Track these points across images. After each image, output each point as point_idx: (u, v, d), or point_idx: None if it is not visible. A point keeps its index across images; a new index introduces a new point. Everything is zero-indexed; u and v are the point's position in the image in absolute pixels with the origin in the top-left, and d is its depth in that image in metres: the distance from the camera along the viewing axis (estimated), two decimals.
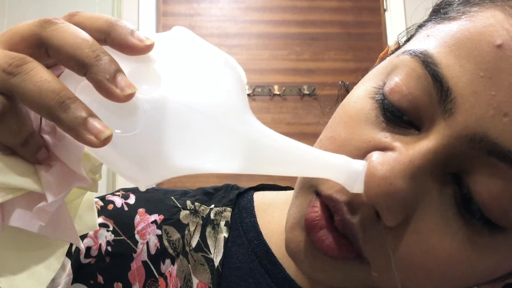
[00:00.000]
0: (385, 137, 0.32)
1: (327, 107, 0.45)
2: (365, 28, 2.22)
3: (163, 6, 2.17)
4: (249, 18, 2.19)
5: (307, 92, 2.13)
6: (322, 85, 2.14)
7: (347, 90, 0.40)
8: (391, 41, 2.16)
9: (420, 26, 0.37)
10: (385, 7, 2.23)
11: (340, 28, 2.21)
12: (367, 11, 2.23)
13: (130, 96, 0.25)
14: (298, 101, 2.14)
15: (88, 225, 0.33)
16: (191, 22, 2.15)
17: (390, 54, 0.40)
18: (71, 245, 0.41)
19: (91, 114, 0.25)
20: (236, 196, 0.48)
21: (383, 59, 0.40)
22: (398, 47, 0.40)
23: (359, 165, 0.30)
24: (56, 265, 0.30)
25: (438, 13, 0.35)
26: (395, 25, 2.16)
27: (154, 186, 0.29)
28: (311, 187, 0.35)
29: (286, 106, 2.14)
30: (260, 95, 2.11)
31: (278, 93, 2.13)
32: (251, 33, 2.18)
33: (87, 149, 0.28)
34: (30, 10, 2.00)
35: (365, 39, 2.20)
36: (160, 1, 2.17)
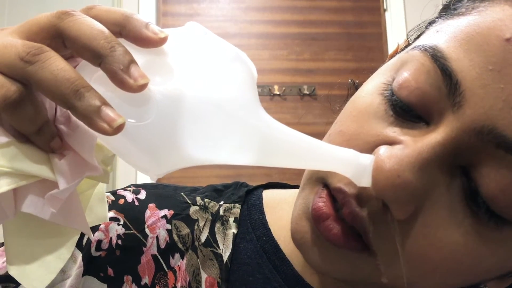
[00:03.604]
0: (393, 131, 0.32)
1: (336, 105, 0.45)
2: (365, 28, 2.22)
3: (163, 6, 2.17)
4: (249, 18, 2.19)
5: (307, 92, 2.13)
6: (322, 85, 2.14)
7: (356, 88, 0.41)
8: (391, 41, 2.17)
9: (430, 22, 0.38)
10: (385, 7, 2.23)
11: (340, 28, 2.21)
12: (367, 11, 2.23)
13: (143, 87, 0.26)
14: (298, 101, 2.14)
15: (99, 216, 0.33)
16: None
17: (400, 51, 0.40)
18: (82, 238, 0.42)
19: (105, 103, 0.25)
20: (245, 193, 0.48)
21: (393, 57, 0.40)
22: (408, 44, 0.40)
23: (367, 159, 0.30)
24: (66, 254, 0.31)
25: (448, 10, 0.36)
26: (395, 25, 2.16)
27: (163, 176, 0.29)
28: (319, 179, 0.35)
29: (286, 106, 2.14)
30: (260, 95, 2.06)
31: (278, 93, 2.13)
32: (251, 33, 2.18)
33: (99, 139, 0.28)
34: (30, 10, 2.00)
35: (365, 39, 2.21)
36: (160, 1, 2.17)
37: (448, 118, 0.30)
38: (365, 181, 0.30)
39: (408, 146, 0.31)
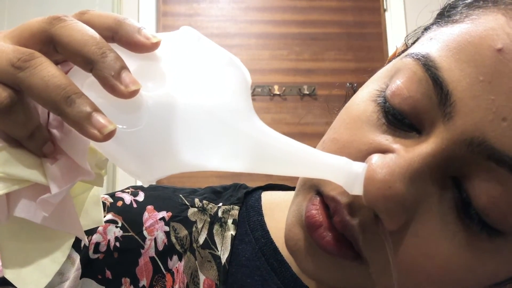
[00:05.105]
0: (386, 139, 0.32)
1: (335, 108, 0.45)
2: (365, 28, 2.22)
3: (163, 6, 2.17)
4: (249, 18, 2.19)
5: (307, 92, 2.13)
6: (322, 85, 2.14)
7: (355, 91, 0.41)
8: (391, 41, 2.16)
9: (426, 29, 0.37)
10: (385, 7, 2.23)
11: (340, 28, 2.21)
12: (367, 11, 2.23)
13: (134, 93, 0.26)
14: (298, 101, 2.14)
15: (94, 220, 0.33)
16: (191, 22, 2.15)
17: (398, 55, 0.40)
18: (80, 240, 0.42)
19: (96, 109, 0.25)
20: (244, 195, 0.48)
21: (390, 61, 0.40)
22: (406, 49, 0.40)
23: (359, 167, 0.30)
24: (61, 258, 0.31)
25: (443, 16, 0.35)
26: (395, 25, 2.16)
27: (155, 182, 0.30)
28: (313, 187, 0.35)
29: (286, 106, 2.14)
30: (260, 95, 2.12)
31: (278, 93, 2.13)
32: (251, 33, 2.18)
33: (93, 144, 0.28)
34: (30, 11, 2.00)
35: (365, 39, 2.21)
36: (160, 1, 2.17)
37: (439, 128, 0.30)
38: (357, 190, 0.30)
39: (400, 156, 0.30)
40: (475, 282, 0.33)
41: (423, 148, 0.30)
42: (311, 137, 2.11)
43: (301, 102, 2.14)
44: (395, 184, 0.29)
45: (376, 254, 0.32)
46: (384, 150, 0.32)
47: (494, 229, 0.30)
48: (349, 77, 2.11)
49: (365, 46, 2.20)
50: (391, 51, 2.20)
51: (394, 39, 2.14)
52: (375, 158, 0.31)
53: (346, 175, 0.30)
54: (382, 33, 2.21)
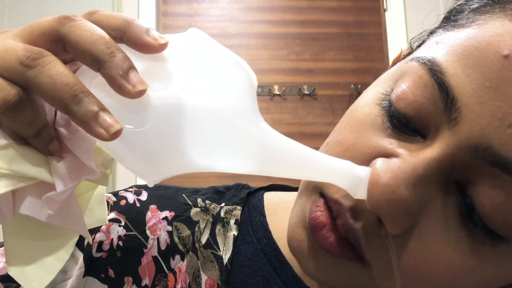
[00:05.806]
0: (390, 143, 0.32)
1: (336, 108, 0.45)
2: (365, 28, 2.22)
3: (163, 6, 2.17)
4: (249, 18, 2.20)
5: (307, 92, 2.14)
6: (322, 85, 2.14)
7: (359, 93, 0.40)
8: (391, 41, 2.17)
9: (431, 32, 0.37)
10: (385, 7, 2.23)
11: (340, 28, 2.21)
12: (367, 11, 2.24)
13: (141, 93, 0.26)
14: (298, 101, 2.14)
15: (98, 218, 0.33)
16: (191, 22, 2.16)
17: (402, 58, 0.40)
18: (83, 238, 0.42)
19: (103, 108, 0.25)
20: (246, 195, 0.49)
21: (395, 63, 0.40)
22: (411, 51, 0.40)
23: (363, 171, 0.30)
24: (65, 256, 0.31)
25: (449, 20, 0.35)
26: (395, 25, 2.17)
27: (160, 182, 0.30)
28: (316, 188, 0.35)
29: (286, 106, 2.14)
30: (260, 95, 2.11)
31: (278, 93, 2.13)
32: (251, 33, 2.18)
33: (99, 143, 0.28)
34: (30, 11, 2.00)
35: (365, 39, 2.21)
36: (160, 1, 2.17)
37: (444, 133, 0.30)
38: (361, 194, 0.30)
39: (404, 161, 0.30)
40: (478, 287, 0.33)
41: (428, 153, 0.30)
42: (311, 137, 2.11)
43: (301, 102, 2.14)
44: (399, 189, 0.29)
45: (379, 258, 0.32)
46: (388, 154, 0.32)
47: (498, 235, 0.30)
48: (349, 77, 2.12)
49: (365, 46, 2.20)
50: (391, 51, 2.21)
51: (394, 39, 2.14)
52: (379, 162, 0.31)
53: (350, 179, 0.30)
54: (382, 33, 2.22)
